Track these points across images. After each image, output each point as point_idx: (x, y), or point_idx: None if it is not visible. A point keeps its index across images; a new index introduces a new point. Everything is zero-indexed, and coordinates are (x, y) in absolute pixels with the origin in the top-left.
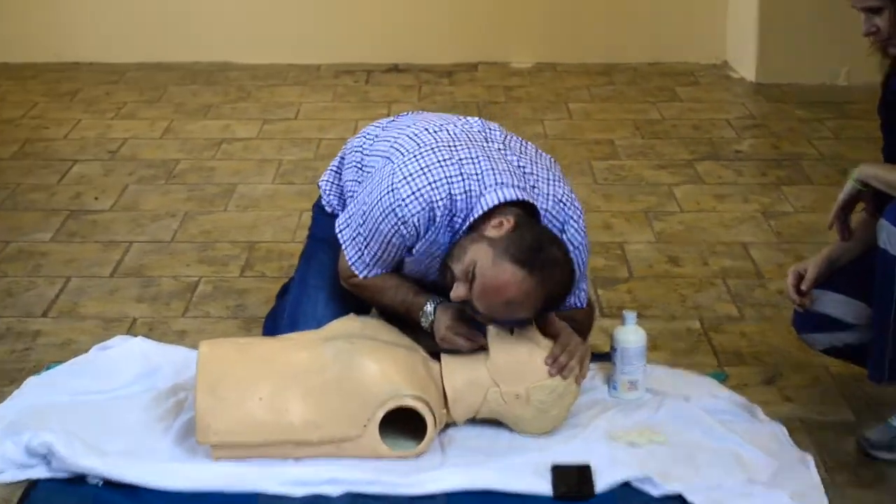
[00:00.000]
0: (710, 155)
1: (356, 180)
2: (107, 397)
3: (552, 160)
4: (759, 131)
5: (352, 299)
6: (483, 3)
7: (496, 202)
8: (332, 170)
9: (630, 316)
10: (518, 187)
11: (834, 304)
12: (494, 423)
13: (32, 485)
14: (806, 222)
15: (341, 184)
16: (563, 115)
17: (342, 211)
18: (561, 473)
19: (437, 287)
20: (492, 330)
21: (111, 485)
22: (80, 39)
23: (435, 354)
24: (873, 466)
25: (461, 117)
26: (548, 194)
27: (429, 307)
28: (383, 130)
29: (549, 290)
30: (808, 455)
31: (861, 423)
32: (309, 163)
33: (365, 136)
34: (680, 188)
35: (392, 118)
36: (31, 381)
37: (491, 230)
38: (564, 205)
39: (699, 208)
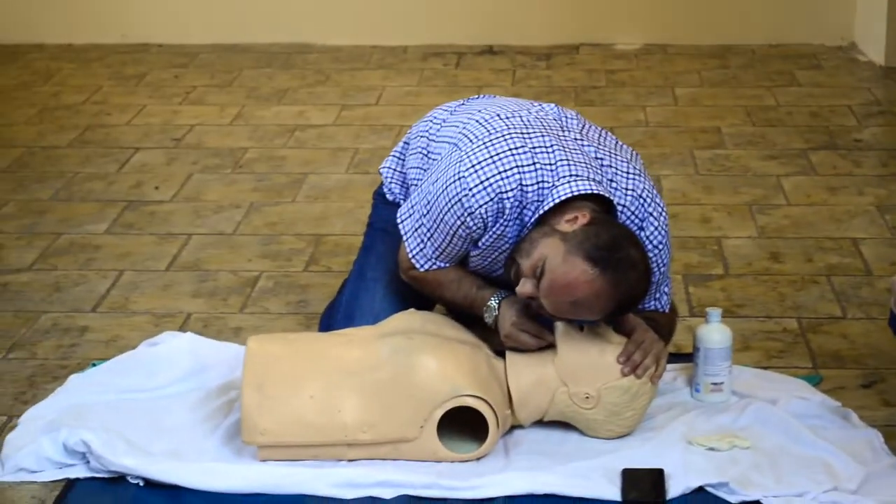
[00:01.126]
0: (827, 144)
1: (421, 167)
2: (153, 395)
3: (633, 153)
4: (884, 119)
5: (412, 293)
6: None
7: (569, 195)
8: (395, 156)
9: (714, 314)
10: (594, 180)
11: None
12: (564, 424)
13: (70, 484)
14: None
15: (404, 171)
16: (668, 100)
17: (404, 199)
18: (631, 477)
19: (502, 282)
20: (560, 326)
21: (152, 485)
22: (150, 19)
23: (500, 352)
24: None
25: (536, 103)
26: (626, 189)
27: (493, 302)
28: (451, 115)
29: (621, 293)
30: None
31: None
32: (386, 151)
33: (431, 121)
34: (789, 180)
35: (462, 101)
36: (74, 379)
37: (564, 224)
38: (644, 201)
39: (809, 201)
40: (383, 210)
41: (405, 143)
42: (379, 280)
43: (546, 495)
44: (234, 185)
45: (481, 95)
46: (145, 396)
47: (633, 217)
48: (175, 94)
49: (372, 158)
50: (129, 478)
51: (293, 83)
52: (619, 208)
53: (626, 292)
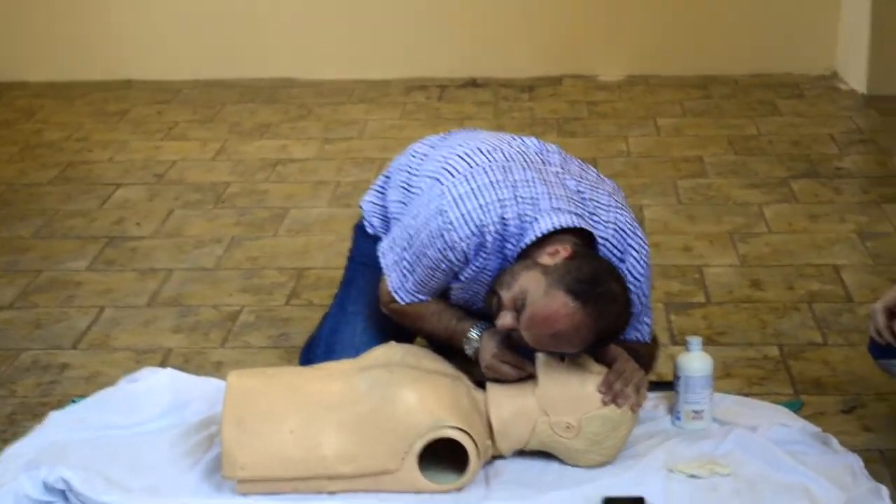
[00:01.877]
0: (808, 172)
1: (402, 201)
2: (133, 432)
3: (614, 185)
4: (865, 147)
5: (393, 326)
6: (569, 11)
7: (551, 228)
8: (375, 190)
9: (695, 342)
10: (575, 214)
11: None
12: (545, 454)
13: None
14: None
15: (385, 204)
16: (650, 131)
17: (384, 233)
18: None
19: (483, 314)
20: (541, 357)
21: None
22: (133, 55)
23: (481, 384)
24: None
25: (517, 137)
26: (607, 222)
27: (474, 333)
28: (433, 149)
29: (602, 326)
30: (882, 487)
31: None
32: (368, 185)
33: (412, 155)
34: (771, 208)
35: (443, 135)
36: (54, 416)
37: (545, 258)
38: (625, 234)
39: (790, 229)
40: (364, 244)
41: (386, 176)
42: (359, 313)
43: None
44: (215, 220)
45: (462, 129)
46: (125, 433)
47: (613, 250)
48: (157, 130)
49: (354, 192)
50: None
51: (275, 118)
52: (601, 241)
53: (607, 325)
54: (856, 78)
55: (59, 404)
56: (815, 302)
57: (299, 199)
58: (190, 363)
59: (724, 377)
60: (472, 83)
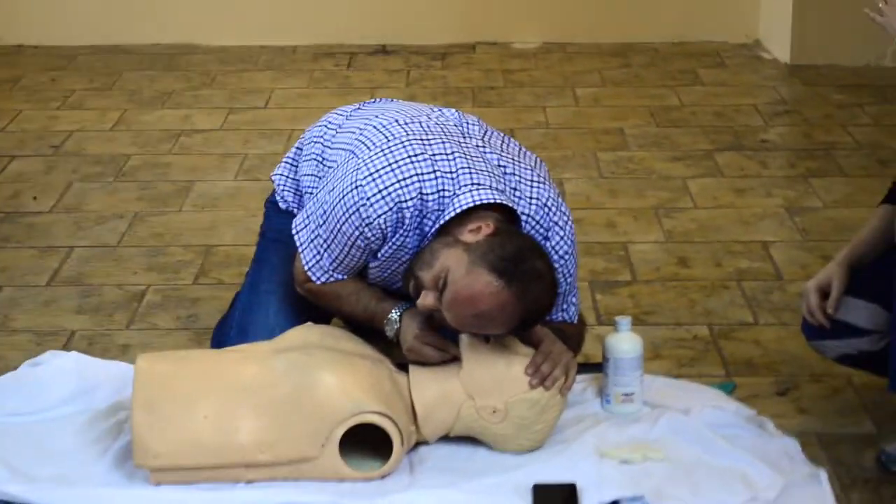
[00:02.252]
0: (733, 145)
1: (315, 175)
2: (36, 419)
3: (538, 160)
4: (790, 118)
5: (308, 306)
6: None
7: (471, 204)
8: (287, 162)
9: (623, 322)
10: (496, 189)
11: (848, 308)
12: (471, 440)
13: None
14: (836, 218)
15: (297, 178)
16: (568, 101)
17: (297, 207)
18: (543, 493)
19: (403, 294)
20: (465, 338)
21: None
22: (24, 19)
23: (403, 366)
24: (894, 483)
25: (436, 108)
26: (530, 198)
27: (394, 314)
28: (347, 120)
29: (527, 306)
30: (821, 471)
31: (883, 436)
32: (277, 157)
33: (326, 126)
34: (696, 182)
35: (357, 106)
36: None
37: (467, 235)
38: (549, 209)
39: (716, 204)
40: (276, 219)
41: (298, 148)
42: (273, 293)
43: None
44: (116, 195)
45: (378, 99)
46: (28, 420)
47: (537, 227)
48: (52, 99)
49: (262, 164)
50: None
51: (177, 86)
52: (524, 218)
53: (532, 305)
54: (779, 46)
55: None
56: (744, 280)
57: (205, 172)
58: (94, 346)
59: (654, 358)
60: (383, 50)
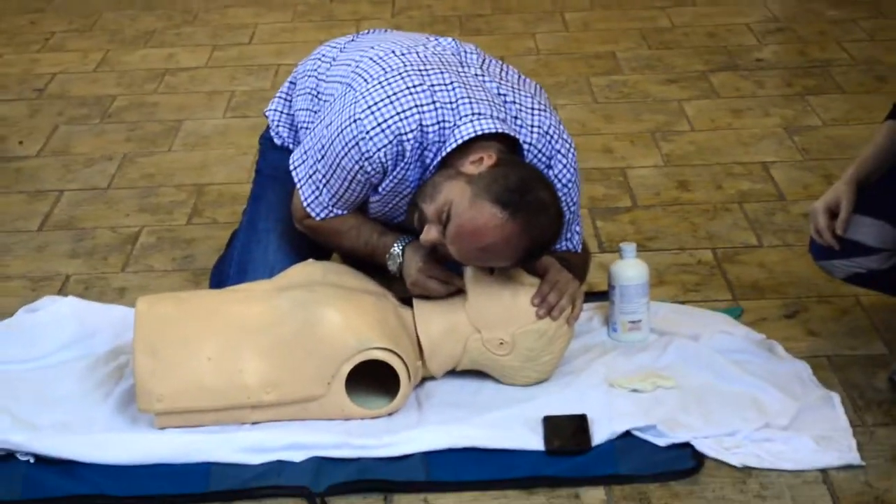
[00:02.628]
0: (728, 65)
1: (311, 109)
2: (36, 366)
3: (538, 86)
4: (783, 36)
5: (308, 243)
6: None
7: (473, 134)
8: (280, 97)
9: (628, 249)
10: (498, 118)
11: (856, 227)
12: (477, 374)
13: None
14: (836, 136)
15: (292, 112)
16: (558, 26)
17: (293, 143)
18: (553, 425)
19: (404, 228)
20: (469, 270)
21: (43, 461)
22: None
23: (407, 301)
24: None
25: (432, 37)
26: (532, 126)
27: (396, 248)
28: (342, 52)
29: (532, 238)
30: (833, 394)
31: (895, 356)
32: (265, 93)
33: (320, 59)
34: (692, 104)
35: (351, 37)
36: None
37: (469, 166)
38: (551, 137)
39: (713, 126)
40: (272, 155)
41: (291, 82)
42: (272, 230)
43: (466, 449)
44: (104, 136)
45: (372, 30)
46: (28, 367)
47: (539, 155)
48: (33, 42)
49: (250, 101)
50: (17, 455)
51: (159, 24)
52: (526, 147)
53: (538, 236)
54: None
55: None
56: (745, 202)
57: (192, 110)
58: (91, 290)
59: (658, 284)
60: None
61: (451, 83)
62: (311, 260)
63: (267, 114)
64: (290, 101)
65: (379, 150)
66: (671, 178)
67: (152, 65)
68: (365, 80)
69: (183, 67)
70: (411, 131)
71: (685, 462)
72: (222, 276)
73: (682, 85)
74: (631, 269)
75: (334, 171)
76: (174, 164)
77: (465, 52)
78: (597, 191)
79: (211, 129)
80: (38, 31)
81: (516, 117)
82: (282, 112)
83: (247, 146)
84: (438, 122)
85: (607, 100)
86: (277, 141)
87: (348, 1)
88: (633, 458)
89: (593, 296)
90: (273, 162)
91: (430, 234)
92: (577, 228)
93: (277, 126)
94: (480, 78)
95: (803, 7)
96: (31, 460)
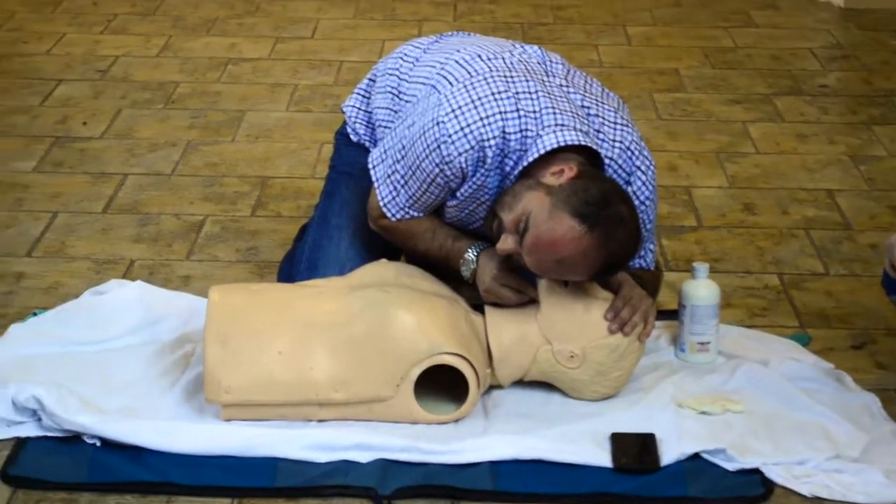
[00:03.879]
0: (791, 89)
1: (391, 108)
2: (102, 348)
3: (620, 101)
4: (847, 63)
5: (379, 242)
6: None
7: (555, 145)
8: (359, 93)
9: (701, 269)
10: (581, 131)
11: None
12: (545, 385)
13: (21, 444)
14: None
15: (370, 110)
16: (620, 39)
17: (369, 140)
18: (621, 442)
19: (479, 234)
20: (543, 281)
21: (109, 445)
22: None
23: (478, 307)
24: None
25: (517, 44)
26: (614, 140)
27: (471, 254)
28: (425, 53)
29: (609, 252)
30: None
31: None
32: (328, 88)
33: (402, 58)
34: (756, 126)
35: (435, 38)
36: (15, 329)
37: (549, 177)
38: (632, 153)
39: (778, 150)
40: (347, 152)
41: (370, 80)
42: (344, 227)
43: (532, 461)
44: (167, 122)
45: (457, 32)
46: (95, 349)
47: (620, 171)
48: (95, 23)
49: (313, 96)
50: (84, 437)
51: (221, 13)
52: (607, 161)
53: (615, 251)
54: None
55: (19, 316)
56: (811, 228)
57: (255, 101)
58: (155, 276)
59: (725, 307)
60: None
61: (536, 92)
62: (383, 260)
63: (344, 109)
64: (369, 99)
65: (460, 154)
66: (736, 199)
67: (215, 53)
68: (450, 83)
69: (245, 58)
70: (493, 138)
71: (754, 488)
72: (292, 269)
73: (746, 106)
74: (703, 290)
75: (413, 173)
76: (237, 155)
77: (551, 61)
78: (662, 208)
79: (274, 121)
80: (101, 13)
81: (599, 131)
82: (359, 109)
83: (310, 141)
84: (521, 131)
85: (671, 117)
86: (353, 137)
87: (410, 1)
88: (703, 480)
89: (662, 314)
90: (348, 158)
91: (506, 243)
92: (651, 247)
93: (354, 123)
94: (565, 88)
95: (868, 36)
96: (98, 443)
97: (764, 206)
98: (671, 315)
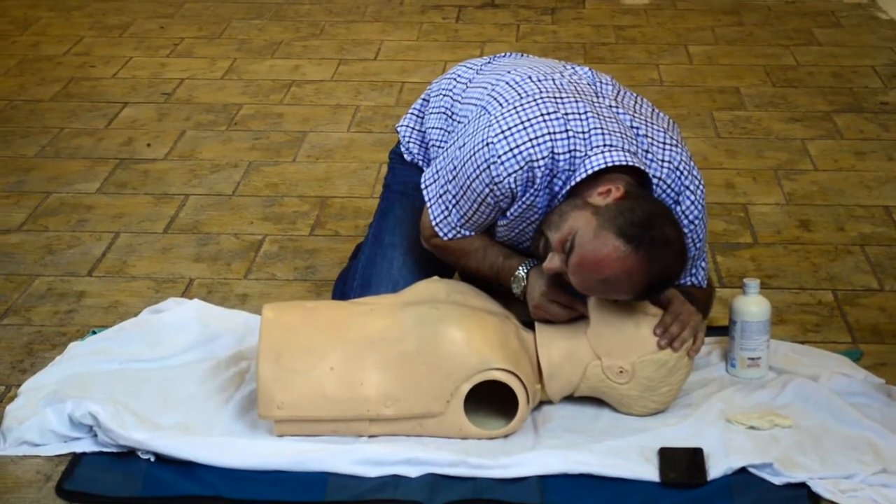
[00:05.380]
0: (852, 107)
1: (444, 129)
2: (159, 366)
3: (671, 121)
4: None
5: (432, 260)
6: None
7: (602, 165)
8: (413, 114)
9: (752, 284)
10: (629, 151)
11: None
12: (595, 401)
13: (77, 459)
14: None
15: (423, 130)
16: (682, 59)
17: (423, 160)
18: (669, 457)
19: (530, 253)
20: (593, 297)
21: (163, 460)
22: None
23: (528, 324)
24: None
25: (568, 65)
26: (662, 160)
27: (521, 271)
28: (478, 74)
29: (654, 273)
30: None
31: None
32: (389, 109)
33: (455, 79)
34: (815, 143)
35: (488, 59)
36: (75, 347)
37: (596, 197)
38: (681, 173)
39: (837, 167)
40: (401, 171)
41: (424, 100)
42: (397, 246)
43: (581, 475)
44: (230, 143)
45: (509, 53)
46: (151, 366)
47: (668, 191)
48: (162, 46)
49: (374, 116)
50: (139, 452)
51: (286, 36)
52: (655, 181)
53: (660, 272)
54: (895, 7)
55: (79, 334)
56: (867, 245)
57: (317, 122)
58: (213, 294)
59: (778, 323)
60: (491, 3)
61: (585, 112)
62: (435, 277)
63: (398, 129)
64: (423, 119)
65: (509, 175)
66: (793, 216)
67: (279, 75)
68: (500, 104)
69: (309, 80)
70: (542, 158)
71: (801, 502)
72: (346, 288)
73: (806, 124)
74: (754, 306)
75: (464, 193)
76: (298, 175)
77: (601, 82)
78: (717, 226)
79: (335, 142)
80: (168, 36)
81: (647, 151)
82: (413, 128)
83: (369, 161)
84: (570, 151)
85: (730, 135)
86: (407, 157)
87: (474, 22)
88: (749, 494)
89: (713, 330)
90: (402, 178)
91: (553, 262)
92: (703, 264)
93: (408, 142)
94: (614, 109)
95: None
96: (152, 459)
97: (820, 222)
98: (723, 331)
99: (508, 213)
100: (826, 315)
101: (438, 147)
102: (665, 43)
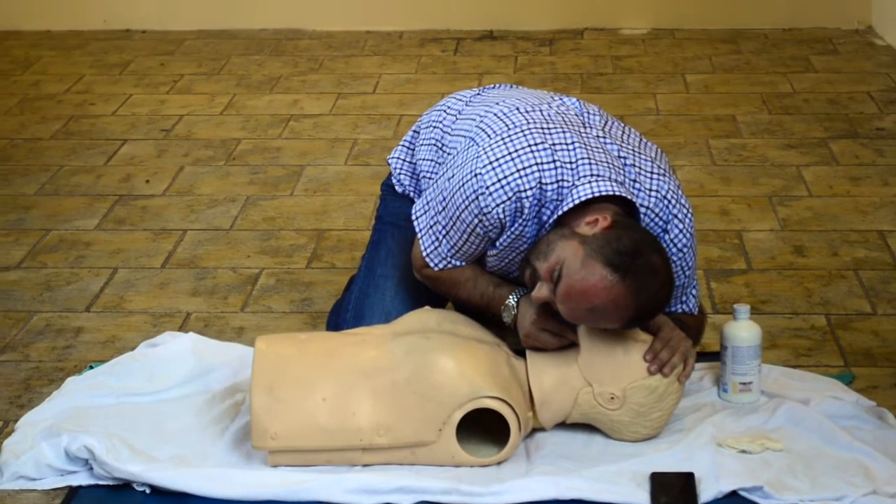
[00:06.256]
0: (848, 133)
1: (434, 160)
2: (155, 399)
3: (658, 150)
4: None
5: (424, 291)
6: None
7: (590, 195)
8: (404, 146)
9: (742, 310)
10: (616, 181)
11: None
12: (587, 427)
13: (73, 492)
14: None
15: (414, 161)
16: (679, 87)
17: (414, 191)
18: (661, 482)
19: (520, 282)
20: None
21: (159, 492)
22: (132, 4)
23: (520, 352)
24: None
25: (556, 96)
26: (650, 189)
27: (511, 300)
28: (467, 105)
29: (641, 301)
30: None
31: None
32: (387, 142)
33: (445, 111)
34: (810, 170)
35: (477, 91)
36: (72, 382)
37: (584, 227)
38: (669, 202)
39: (831, 192)
40: (392, 202)
41: (415, 132)
42: (389, 277)
43: (573, 501)
44: (228, 178)
45: (499, 85)
46: (147, 400)
47: (656, 219)
48: (161, 83)
49: (372, 149)
50: (134, 485)
51: (285, 71)
52: (643, 210)
53: (647, 300)
54: (892, 33)
55: (76, 369)
56: (861, 269)
57: (315, 156)
58: (210, 328)
59: (770, 347)
60: (489, 35)
61: (573, 143)
62: (427, 307)
63: (389, 161)
64: (413, 150)
65: (498, 205)
66: (787, 242)
67: (277, 110)
68: (488, 136)
69: (307, 114)
70: (530, 188)
71: None
72: (339, 319)
73: (802, 151)
74: (744, 331)
75: (454, 224)
76: (295, 208)
77: (589, 112)
78: (712, 252)
79: (332, 175)
80: (167, 73)
81: (635, 180)
82: (404, 160)
83: (367, 193)
84: (557, 181)
85: (726, 162)
86: (399, 188)
87: (472, 55)
88: None
89: (705, 356)
90: (393, 209)
91: (541, 291)
92: (693, 291)
93: (399, 174)
94: (602, 139)
95: None
96: (147, 491)
97: (814, 248)
98: (715, 356)
99: (498, 243)
100: (819, 339)
101: (429, 178)
102: (662, 72)
